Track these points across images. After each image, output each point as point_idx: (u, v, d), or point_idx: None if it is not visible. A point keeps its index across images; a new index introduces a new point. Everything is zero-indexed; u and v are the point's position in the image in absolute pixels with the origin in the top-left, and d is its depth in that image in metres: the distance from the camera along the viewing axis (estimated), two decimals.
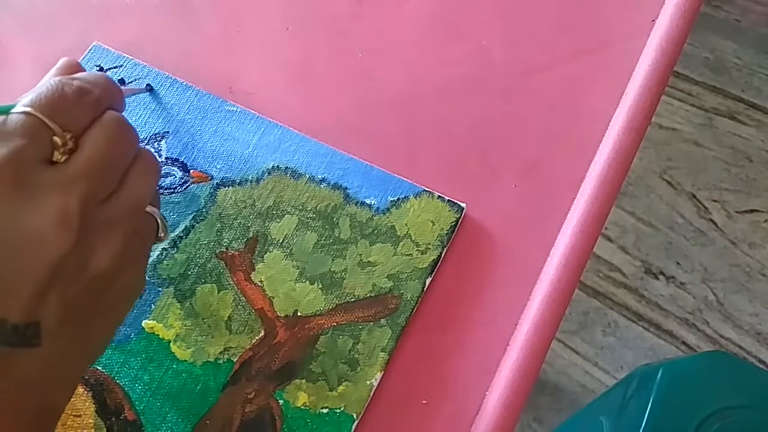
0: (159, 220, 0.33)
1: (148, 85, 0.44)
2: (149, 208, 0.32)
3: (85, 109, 0.29)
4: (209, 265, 0.40)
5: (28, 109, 0.27)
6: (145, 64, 0.45)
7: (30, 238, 0.25)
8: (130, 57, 0.45)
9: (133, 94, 0.44)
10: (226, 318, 0.39)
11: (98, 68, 0.45)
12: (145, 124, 0.43)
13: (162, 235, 0.33)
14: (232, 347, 0.38)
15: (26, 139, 0.27)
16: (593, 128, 0.43)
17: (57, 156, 0.28)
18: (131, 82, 0.44)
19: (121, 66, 0.45)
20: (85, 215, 0.27)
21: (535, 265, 0.40)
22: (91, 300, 0.28)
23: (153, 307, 0.39)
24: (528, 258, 0.40)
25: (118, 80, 0.44)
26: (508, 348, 0.38)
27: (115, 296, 0.30)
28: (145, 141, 0.43)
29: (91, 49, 0.45)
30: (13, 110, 0.27)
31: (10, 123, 0.27)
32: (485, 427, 0.36)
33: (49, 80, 0.30)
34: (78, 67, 0.34)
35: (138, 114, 0.43)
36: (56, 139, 0.28)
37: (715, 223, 1.26)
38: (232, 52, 0.46)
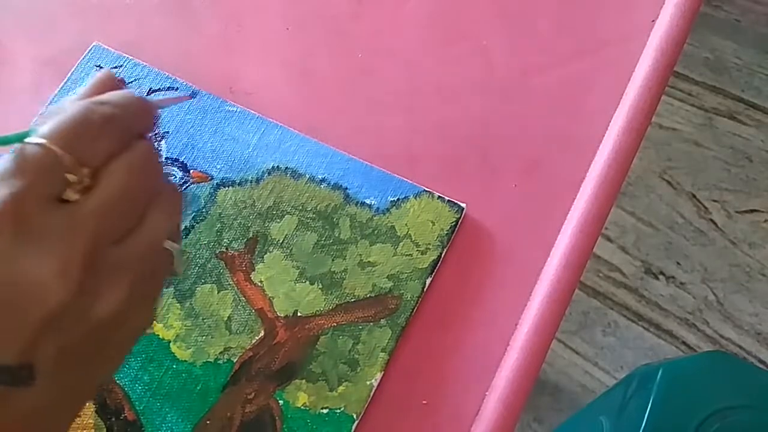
0: (176, 256, 0.30)
1: (193, 92, 0.43)
2: (167, 244, 0.29)
3: (110, 141, 0.27)
4: (209, 265, 0.40)
5: (42, 141, 0.25)
6: (145, 64, 0.45)
7: (28, 284, 0.24)
8: (130, 57, 0.45)
9: (176, 104, 0.43)
10: (226, 318, 0.39)
11: (98, 68, 0.45)
12: None
13: (178, 271, 0.31)
14: (232, 347, 0.38)
15: (36, 176, 0.25)
16: (593, 128, 0.43)
17: (69, 194, 0.26)
18: (131, 82, 0.44)
19: (121, 66, 0.45)
20: (92, 260, 0.25)
21: (535, 265, 0.40)
22: (93, 344, 0.27)
23: None
24: (528, 258, 0.40)
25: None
26: (508, 348, 0.38)
27: (122, 338, 0.28)
28: None
29: (91, 50, 0.45)
30: (28, 139, 0.25)
31: (22, 156, 0.25)
32: (485, 428, 0.36)
33: (75, 105, 0.27)
34: (113, 83, 0.31)
35: None
36: (69, 176, 0.25)
37: (715, 223, 1.26)
38: (232, 52, 0.46)
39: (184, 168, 0.42)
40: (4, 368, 0.24)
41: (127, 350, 0.30)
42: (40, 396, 0.25)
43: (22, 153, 0.25)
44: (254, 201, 0.41)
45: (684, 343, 1.18)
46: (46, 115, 0.27)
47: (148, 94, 0.44)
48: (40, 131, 0.26)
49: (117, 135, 0.27)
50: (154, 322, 0.38)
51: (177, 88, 0.44)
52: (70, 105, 0.27)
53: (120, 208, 0.26)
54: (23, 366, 0.24)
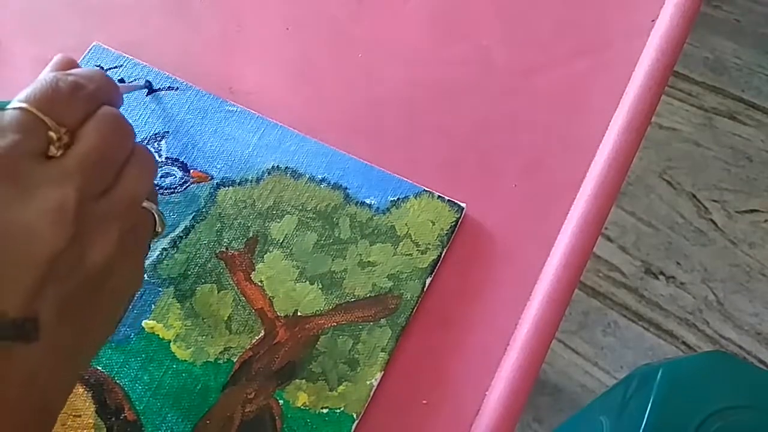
0: (156, 215, 0.33)
1: (147, 81, 0.44)
2: (146, 204, 0.32)
3: (80, 104, 0.29)
4: (209, 265, 0.40)
5: (22, 105, 0.27)
6: (145, 64, 0.45)
7: (26, 232, 0.25)
8: (130, 57, 0.45)
9: (132, 91, 0.44)
10: (226, 318, 0.39)
11: (98, 68, 0.45)
12: (145, 124, 0.43)
13: (159, 229, 0.33)
14: (232, 347, 0.38)
15: (21, 134, 0.27)
16: (593, 128, 0.43)
17: (53, 150, 0.28)
18: (131, 81, 0.44)
19: (121, 66, 0.45)
20: (81, 210, 0.27)
21: (535, 265, 0.40)
22: (88, 295, 0.28)
23: (153, 307, 0.39)
24: (528, 258, 0.40)
25: (118, 80, 0.44)
26: (508, 348, 0.38)
27: (113, 292, 0.30)
28: (145, 141, 0.43)
29: (91, 49, 0.45)
30: (8, 106, 0.27)
31: (5, 119, 0.27)
32: (485, 427, 0.36)
33: (44, 76, 0.30)
34: (74, 64, 0.34)
35: (138, 114, 0.43)
36: (51, 133, 0.28)
37: (715, 223, 1.26)
38: (232, 52, 0.46)
39: (184, 168, 0.42)
40: (8, 322, 0.25)
41: (117, 311, 0.31)
42: (43, 354, 0.26)
43: (6, 115, 0.27)
44: (254, 201, 0.41)
45: (684, 343, 1.18)
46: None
47: (147, 93, 0.44)
48: (18, 97, 0.28)
49: (86, 99, 0.30)
50: (155, 321, 0.38)
51: (177, 88, 0.44)
52: (41, 76, 0.30)
53: (100, 161, 0.28)
54: (28, 319, 0.25)
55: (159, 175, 0.42)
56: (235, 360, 0.38)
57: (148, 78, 0.44)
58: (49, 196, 0.26)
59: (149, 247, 0.34)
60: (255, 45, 0.47)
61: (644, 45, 0.44)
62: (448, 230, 0.40)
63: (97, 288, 0.29)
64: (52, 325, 0.26)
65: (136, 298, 0.39)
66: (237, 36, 0.47)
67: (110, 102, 0.31)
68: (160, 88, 0.44)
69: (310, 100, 0.45)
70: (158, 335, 0.38)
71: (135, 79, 0.44)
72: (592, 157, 0.42)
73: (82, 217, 0.27)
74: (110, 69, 0.45)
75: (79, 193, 0.27)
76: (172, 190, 0.41)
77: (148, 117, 0.43)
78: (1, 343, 0.25)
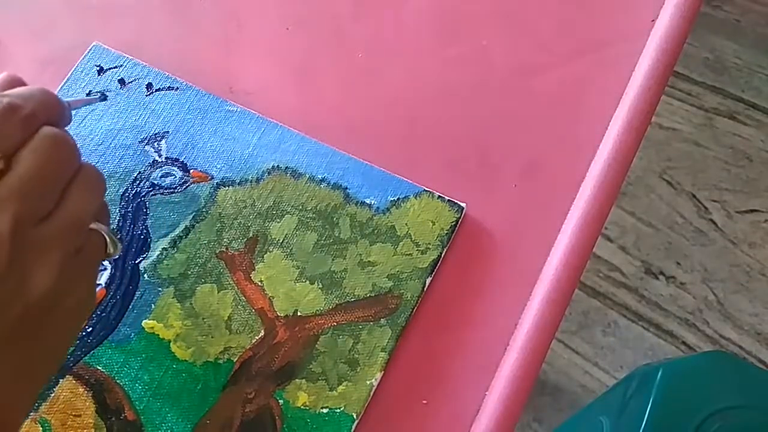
0: (106, 236, 0.32)
1: (101, 93, 0.44)
2: (95, 225, 0.31)
3: (16, 128, 0.28)
4: (209, 265, 0.40)
5: None
6: (145, 64, 0.45)
7: None
8: (130, 57, 0.45)
9: (86, 104, 0.43)
10: (226, 318, 0.39)
11: (98, 68, 0.45)
12: (145, 124, 0.43)
13: (111, 251, 0.32)
14: (232, 347, 0.38)
15: None
16: (593, 128, 0.43)
17: None
18: (131, 81, 0.44)
19: (121, 66, 0.45)
20: (18, 238, 0.26)
21: (535, 265, 0.40)
22: (32, 323, 0.27)
23: (153, 307, 0.39)
24: (528, 258, 0.40)
25: (118, 80, 0.44)
26: (508, 348, 0.38)
27: (63, 317, 0.29)
28: (146, 141, 0.43)
29: (91, 49, 0.45)
30: None
31: None
32: (485, 427, 0.36)
33: None
34: (15, 82, 0.32)
35: (138, 114, 0.43)
36: None
37: (715, 223, 1.26)
38: (232, 52, 0.46)
39: (184, 168, 0.42)
40: None
41: (70, 333, 0.31)
42: None
43: None
44: (254, 201, 0.41)
45: (684, 343, 1.18)
46: None
47: (147, 93, 0.44)
48: None
49: (21, 122, 0.28)
50: (155, 321, 0.38)
51: (177, 88, 0.44)
52: None
53: (38, 185, 0.27)
54: None
55: (159, 174, 0.42)
56: (235, 360, 0.38)
57: (148, 78, 0.44)
58: None
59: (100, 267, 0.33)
60: (255, 45, 0.47)
61: (644, 45, 0.44)
62: (448, 230, 0.40)
63: (42, 316, 0.28)
64: None
65: (135, 297, 0.39)
66: (237, 36, 0.47)
67: (53, 120, 0.30)
68: (160, 88, 0.44)
69: (311, 100, 0.45)
70: (158, 335, 0.38)
71: (135, 79, 0.44)
72: (592, 157, 0.42)
73: (20, 246, 0.26)
74: (110, 69, 0.45)
75: (14, 221, 0.26)
76: (172, 190, 0.41)
77: (148, 117, 0.43)
78: None
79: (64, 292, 0.28)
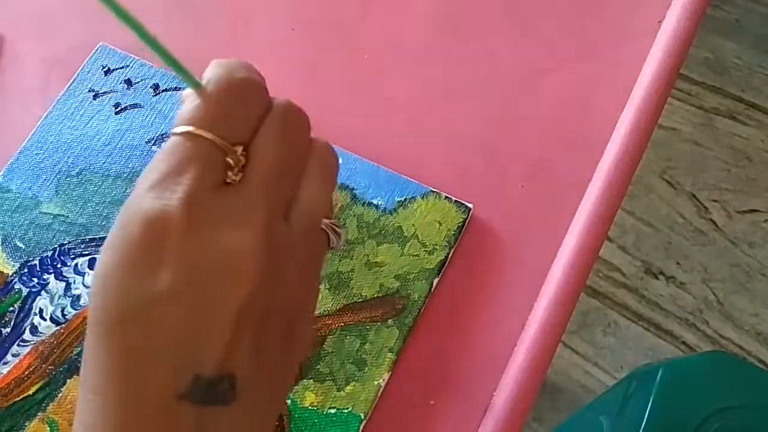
0: (327, 230, 0.27)
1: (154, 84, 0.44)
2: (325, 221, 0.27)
3: (253, 108, 0.24)
4: None
5: (189, 129, 0.23)
6: (151, 64, 0.45)
7: (214, 280, 0.21)
8: (137, 57, 0.45)
9: None
10: None
11: (105, 68, 0.45)
12: (152, 125, 0.43)
13: (334, 244, 0.28)
14: None
15: (196, 170, 0.22)
16: (600, 129, 0.43)
17: (230, 176, 0.23)
18: (138, 82, 0.44)
19: (128, 66, 0.45)
20: (271, 240, 0.23)
21: (542, 266, 0.40)
22: (281, 336, 0.24)
23: None
24: (535, 259, 0.40)
25: (125, 81, 0.44)
26: (515, 349, 0.38)
27: (302, 327, 0.26)
28: (153, 141, 0.43)
29: (97, 50, 0.45)
30: (173, 131, 0.24)
31: (174, 152, 0.23)
32: (492, 428, 0.36)
33: (216, 76, 0.25)
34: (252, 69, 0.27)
35: (144, 115, 0.43)
36: (229, 160, 0.23)
37: (715, 223, 1.26)
38: (238, 52, 0.46)
39: None
40: (202, 382, 0.21)
41: (308, 343, 0.27)
42: (241, 418, 0.22)
43: (173, 147, 0.23)
44: None
45: (684, 343, 1.18)
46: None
47: (154, 93, 0.44)
48: (183, 116, 0.24)
49: (257, 100, 0.25)
50: None
51: (183, 89, 0.44)
52: (211, 74, 0.26)
53: (281, 182, 0.24)
54: (223, 377, 0.21)
55: None
56: None
57: (155, 78, 0.44)
58: (236, 239, 0.22)
59: None
60: (261, 45, 0.47)
61: (651, 46, 0.44)
62: (455, 231, 0.40)
63: (289, 326, 0.24)
64: (250, 380, 0.22)
65: None
66: (243, 36, 0.47)
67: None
68: (167, 89, 0.44)
69: (317, 101, 0.45)
70: None
71: (141, 80, 0.44)
72: (599, 158, 0.42)
73: (272, 249, 0.23)
74: (117, 69, 0.45)
75: (266, 224, 0.23)
76: None
77: (155, 117, 0.43)
78: (191, 408, 0.21)
79: (306, 297, 0.26)
